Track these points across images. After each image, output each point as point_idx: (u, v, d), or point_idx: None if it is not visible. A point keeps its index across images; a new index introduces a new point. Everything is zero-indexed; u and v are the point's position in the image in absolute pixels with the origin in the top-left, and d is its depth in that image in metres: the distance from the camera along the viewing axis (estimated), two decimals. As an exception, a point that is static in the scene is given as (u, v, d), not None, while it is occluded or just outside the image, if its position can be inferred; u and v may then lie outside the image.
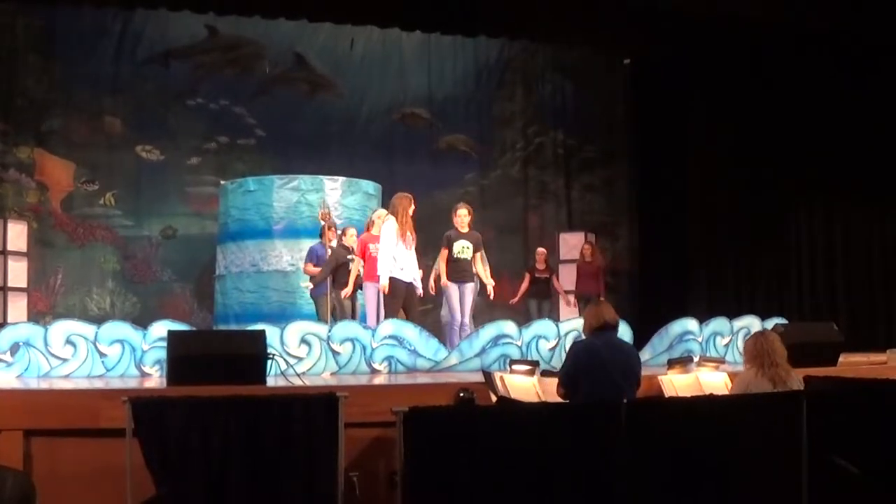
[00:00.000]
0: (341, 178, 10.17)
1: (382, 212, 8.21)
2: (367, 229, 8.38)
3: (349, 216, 9.89)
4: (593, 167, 13.37)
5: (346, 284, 7.95)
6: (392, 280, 7.25)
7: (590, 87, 13.16)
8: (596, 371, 4.58)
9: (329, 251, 8.34)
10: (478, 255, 7.74)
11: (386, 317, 7.16)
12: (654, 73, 12.04)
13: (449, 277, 7.56)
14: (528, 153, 13.35)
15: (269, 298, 9.74)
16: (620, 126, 13.08)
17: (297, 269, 9.49)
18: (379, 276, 7.24)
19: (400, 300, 7.21)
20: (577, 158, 13.40)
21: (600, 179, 13.37)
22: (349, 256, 8.19)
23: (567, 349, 4.99)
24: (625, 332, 7.17)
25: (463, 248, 7.65)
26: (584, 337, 5.01)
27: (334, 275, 8.12)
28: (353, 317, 8.20)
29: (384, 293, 7.26)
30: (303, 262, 8.97)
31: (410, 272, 7.32)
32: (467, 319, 7.42)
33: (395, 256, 7.23)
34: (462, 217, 7.59)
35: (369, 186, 10.43)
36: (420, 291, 7.39)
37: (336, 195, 9.96)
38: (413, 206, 7.36)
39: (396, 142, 12.65)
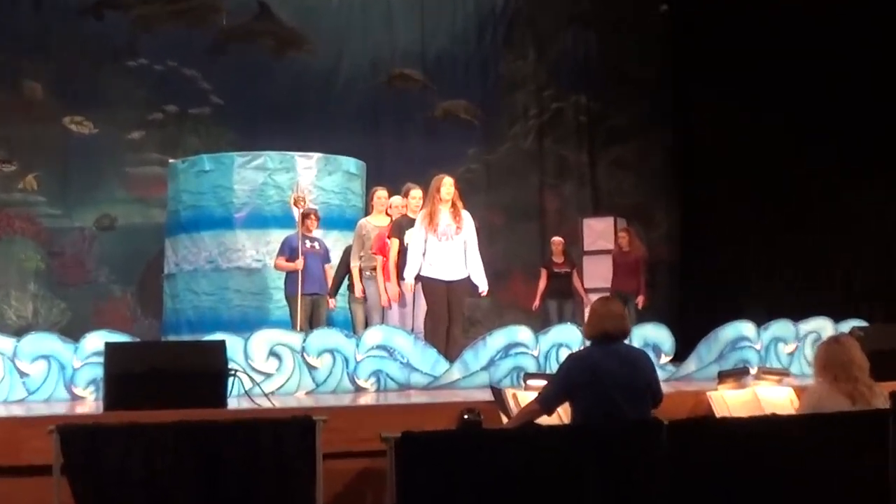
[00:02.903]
0: (317, 155, 10.06)
1: (398, 199, 8.44)
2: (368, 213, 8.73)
3: (327, 200, 9.90)
4: (623, 137, 13.42)
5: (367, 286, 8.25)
6: (425, 280, 7.42)
7: (618, 39, 13.31)
8: (594, 389, 4.55)
9: (309, 244, 8.56)
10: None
11: (427, 327, 7.31)
12: (698, 20, 12.17)
13: (421, 271, 7.65)
14: (543, 122, 13.44)
15: (229, 302, 9.68)
16: (656, 87, 13.22)
17: (265, 265, 9.54)
18: (403, 276, 7.47)
19: (436, 302, 7.32)
20: (603, 127, 13.48)
21: (632, 152, 13.45)
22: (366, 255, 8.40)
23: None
24: (664, 338, 7.28)
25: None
26: (585, 345, 5.08)
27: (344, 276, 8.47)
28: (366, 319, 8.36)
29: (396, 300, 7.58)
30: (271, 257, 9.11)
31: (449, 268, 7.40)
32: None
33: (426, 250, 7.39)
34: (447, 186, 7.58)
35: (351, 164, 10.35)
36: (482, 290, 7.52)
37: (311, 175, 9.89)
38: (446, 186, 7.44)
39: (383, 110, 12.78)
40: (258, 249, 9.72)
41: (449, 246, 7.41)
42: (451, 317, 7.37)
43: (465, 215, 7.52)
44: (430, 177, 7.75)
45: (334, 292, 8.83)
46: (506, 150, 13.33)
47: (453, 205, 7.41)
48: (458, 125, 13.12)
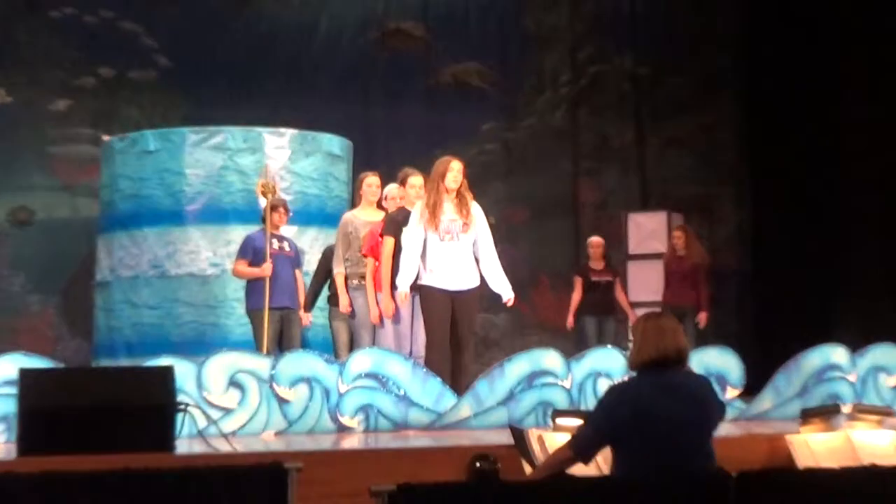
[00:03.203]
0: (290, 132, 10.14)
1: (393, 188, 8.51)
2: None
3: (302, 189, 9.96)
4: (681, 110, 13.36)
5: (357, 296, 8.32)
6: (424, 290, 7.47)
7: (674, -16, 13.61)
8: (642, 432, 4.55)
9: (278, 244, 8.64)
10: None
11: (429, 348, 7.39)
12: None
13: (419, 279, 7.71)
14: (578, 90, 13.42)
15: (179, 317, 9.78)
16: (723, 45, 13.28)
17: (224, 271, 9.61)
18: (395, 284, 7.52)
19: (438, 320, 7.41)
20: (655, 97, 13.41)
21: (691, 129, 13.40)
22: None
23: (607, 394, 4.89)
24: (731, 367, 7.35)
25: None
26: (630, 375, 5.01)
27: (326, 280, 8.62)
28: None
29: (390, 315, 7.62)
30: (231, 260, 9.14)
31: (455, 275, 7.47)
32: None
33: (426, 253, 7.47)
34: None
35: (333, 143, 10.41)
36: (507, 298, 7.63)
37: (283, 157, 9.98)
38: (453, 172, 7.50)
39: (375, 74, 12.88)
40: (216, 251, 9.80)
41: (454, 247, 7.48)
42: (458, 338, 7.44)
43: (475, 208, 7.59)
44: (433, 160, 7.83)
45: (310, 305, 8.87)
46: (530, 126, 13.34)
47: (459, 195, 7.48)
48: (469, 95, 13.18)
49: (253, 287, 8.62)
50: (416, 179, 7.99)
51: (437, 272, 7.41)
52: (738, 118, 13.25)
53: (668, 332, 4.64)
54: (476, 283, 7.56)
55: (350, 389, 6.73)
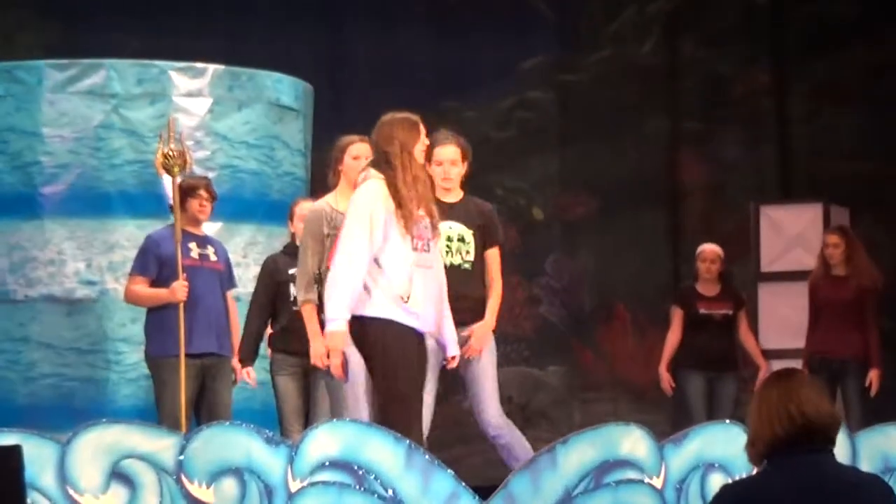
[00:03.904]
0: (212, 68, 9.21)
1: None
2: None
3: (232, 161, 9.09)
4: (845, 38, 11.89)
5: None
6: (387, 328, 6.92)
7: None
8: None
9: (197, 250, 8.22)
10: (489, 253, 7.65)
11: (382, 413, 6.88)
12: None
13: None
14: (678, 5, 12.23)
15: (31, 368, 8.89)
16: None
17: (105, 293, 8.86)
18: (325, 320, 6.98)
19: (415, 382, 6.97)
20: (801, 17, 12.00)
21: (861, 70, 11.96)
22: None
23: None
24: None
25: (447, 238, 7.66)
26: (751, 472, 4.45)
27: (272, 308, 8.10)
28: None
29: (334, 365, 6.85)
30: (117, 277, 8.80)
31: (429, 311, 7.04)
32: (494, 421, 7.47)
33: (389, 267, 6.92)
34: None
35: (283, 88, 9.54)
36: (450, 352, 7.17)
37: (200, 109, 9.13)
38: (424, 141, 7.06)
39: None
40: (91, 260, 9.00)
41: (427, 262, 7.04)
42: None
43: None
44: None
45: (251, 352, 7.99)
46: (600, 63, 11.97)
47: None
48: (500, 12, 11.81)
49: (158, 320, 8.02)
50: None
51: (418, 300, 7.17)
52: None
53: (803, 396, 4.01)
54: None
55: (305, 487, 6.01)
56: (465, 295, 7.33)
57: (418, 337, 6.88)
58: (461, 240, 7.47)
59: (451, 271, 7.36)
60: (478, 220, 7.51)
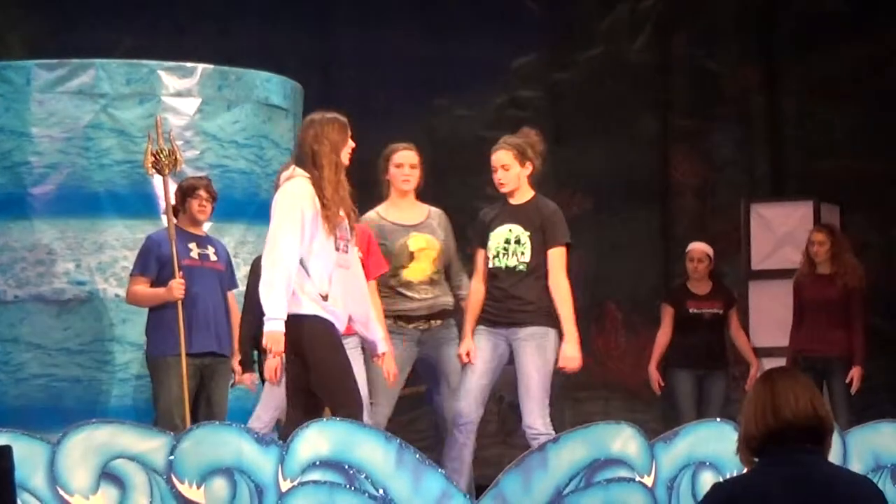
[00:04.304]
0: (201, 67, 9.32)
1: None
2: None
3: (222, 161, 9.20)
4: (838, 34, 11.82)
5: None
6: (311, 322, 6.90)
7: None
8: None
9: (197, 251, 8.36)
10: (550, 254, 7.61)
11: (291, 413, 6.86)
12: None
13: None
14: (666, 4, 12.24)
15: (21, 368, 8.94)
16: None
17: (96, 294, 8.94)
18: (265, 314, 6.87)
19: (343, 359, 6.97)
20: (794, 13, 11.97)
21: (855, 65, 11.99)
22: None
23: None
24: None
25: (504, 241, 7.78)
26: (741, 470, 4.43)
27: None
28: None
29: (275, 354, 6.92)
30: (109, 278, 8.96)
31: (346, 311, 7.03)
32: (471, 417, 7.61)
33: (313, 266, 6.88)
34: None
35: (272, 87, 9.61)
36: (380, 349, 7.25)
37: (189, 108, 9.21)
38: (351, 144, 7.01)
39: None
40: (80, 260, 9.05)
41: (345, 262, 7.11)
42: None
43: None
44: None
45: (247, 357, 8.10)
46: (592, 60, 12.04)
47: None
48: (491, 8, 11.90)
49: (158, 320, 8.14)
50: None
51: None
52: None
53: (792, 393, 4.10)
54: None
55: (296, 487, 6.10)
56: (518, 296, 7.44)
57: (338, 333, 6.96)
58: (517, 242, 7.53)
59: (506, 273, 7.50)
60: (536, 221, 7.52)
